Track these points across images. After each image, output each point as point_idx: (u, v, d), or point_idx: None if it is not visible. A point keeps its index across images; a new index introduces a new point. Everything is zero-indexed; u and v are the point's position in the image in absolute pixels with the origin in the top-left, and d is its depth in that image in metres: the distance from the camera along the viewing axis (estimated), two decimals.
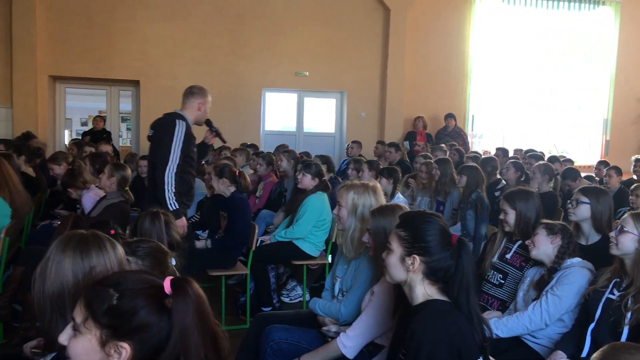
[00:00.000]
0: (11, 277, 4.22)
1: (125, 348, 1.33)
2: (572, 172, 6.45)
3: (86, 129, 10.30)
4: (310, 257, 4.92)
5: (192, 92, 4.13)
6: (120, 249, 1.79)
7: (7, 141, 7.40)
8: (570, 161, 8.32)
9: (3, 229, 4.06)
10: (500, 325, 2.96)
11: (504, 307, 3.26)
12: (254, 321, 3.07)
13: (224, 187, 4.77)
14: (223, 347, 1.47)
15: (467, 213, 5.25)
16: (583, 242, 3.43)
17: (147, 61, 10.04)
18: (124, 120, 10.94)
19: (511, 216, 3.36)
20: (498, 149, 8.91)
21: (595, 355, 1.57)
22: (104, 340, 1.35)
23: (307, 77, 10.76)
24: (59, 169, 5.53)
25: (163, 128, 3.92)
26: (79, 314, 1.37)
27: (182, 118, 3.99)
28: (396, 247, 2.03)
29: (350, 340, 2.54)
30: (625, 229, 2.69)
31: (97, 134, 9.50)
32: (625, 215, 2.79)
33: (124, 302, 1.35)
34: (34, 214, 5.46)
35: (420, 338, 1.85)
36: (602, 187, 4.03)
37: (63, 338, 1.40)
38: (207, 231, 5.22)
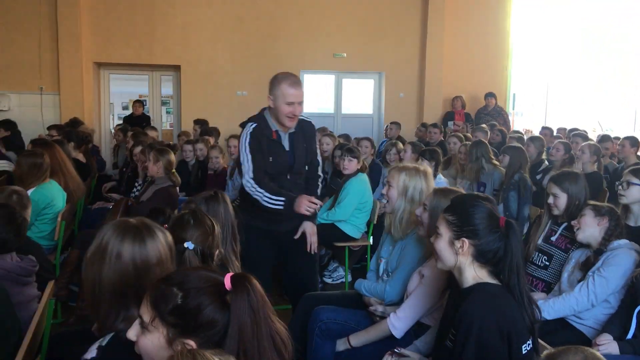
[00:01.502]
0: (67, 259, 4.41)
1: (192, 345, 1.38)
2: (632, 138, 6.29)
3: (127, 112, 10.53)
4: (352, 239, 4.98)
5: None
6: (169, 236, 1.87)
7: (59, 127, 7.68)
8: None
9: (59, 212, 4.26)
10: (547, 307, 2.97)
11: (548, 288, 3.27)
12: (302, 302, 3.14)
13: None
14: (284, 346, 1.47)
15: (509, 194, 5.20)
16: (632, 223, 3.39)
17: (188, 46, 10.19)
18: (163, 103, 11.16)
19: (562, 200, 3.34)
20: (544, 128, 8.72)
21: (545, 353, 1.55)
22: (170, 337, 1.40)
23: (344, 58, 10.73)
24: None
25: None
26: (146, 313, 1.43)
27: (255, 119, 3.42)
28: (444, 231, 2.07)
29: (400, 321, 2.60)
30: None
31: (137, 120, 9.69)
32: None
33: (189, 301, 1.40)
34: (85, 198, 5.67)
35: (470, 320, 1.89)
36: None
37: (132, 334, 1.46)
38: None
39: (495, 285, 2.01)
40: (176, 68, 10.40)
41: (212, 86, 10.29)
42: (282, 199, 3.22)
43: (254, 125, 3.30)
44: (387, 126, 9.61)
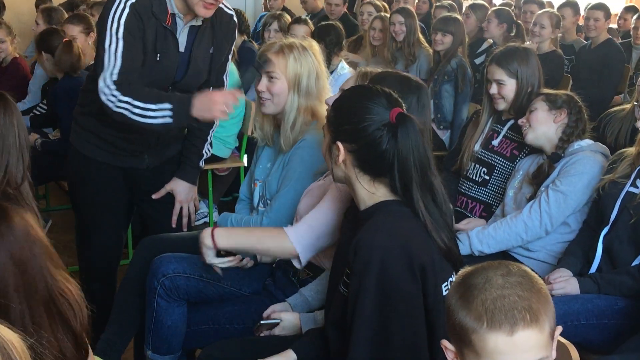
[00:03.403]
0: None
1: None
2: (603, 6, 6.56)
3: None
4: (217, 159, 4.93)
5: None
6: None
7: None
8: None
9: None
10: (485, 238, 3.10)
11: (488, 212, 3.42)
12: (137, 250, 3.11)
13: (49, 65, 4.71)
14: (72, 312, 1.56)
15: (442, 88, 5.32)
16: None
17: None
18: None
19: (509, 87, 3.42)
20: None
21: (462, 304, 1.47)
22: None
23: None
24: None
25: None
26: None
27: None
28: (326, 132, 2.13)
29: (299, 232, 2.56)
30: None
31: None
32: None
33: None
34: None
35: (368, 251, 1.92)
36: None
37: None
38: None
39: (395, 203, 2.04)
40: None
41: None
42: (168, 105, 2.82)
43: None
44: None
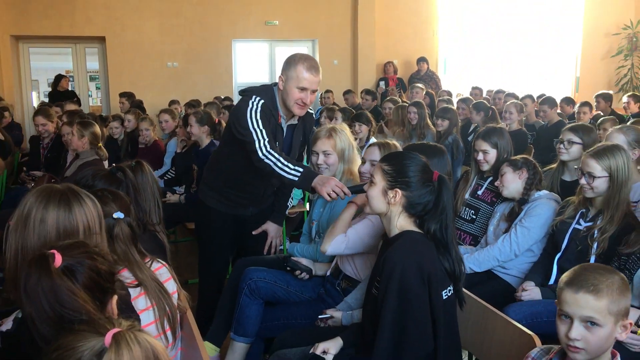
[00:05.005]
0: None
1: None
2: (549, 100, 6.54)
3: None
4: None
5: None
6: (98, 204, 1.79)
7: None
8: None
9: None
10: (472, 259, 3.06)
11: (475, 242, 3.36)
12: (236, 266, 3.12)
13: (204, 136, 4.76)
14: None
15: None
16: (567, 178, 3.50)
17: (112, 15, 9.75)
18: (92, 79, 10.70)
19: (491, 155, 3.40)
20: (474, 88, 8.94)
21: (565, 274, 1.65)
22: None
23: (277, 25, 10.57)
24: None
25: None
26: None
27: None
28: (379, 180, 2.10)
29: (338, 240, 2.61)
30: (594, 174, 2.73)
31: (61, 96, 9.24)
32: (587, 159, 2.79)
33: None
34: (6, 177, 5.40)
35: (392, 264, 1.94)
36: (589, 124, 4.07)
37: None
38: (183, 186, 5.23)
39: (418, 233, 2.06)
40: (101, 40, 9.95)
41: (141, 58, 9.93)
42: (300, 169, 2.73)
43: (262, 101, 2.86)
44: (322, 94, 9.59)
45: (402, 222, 2.07)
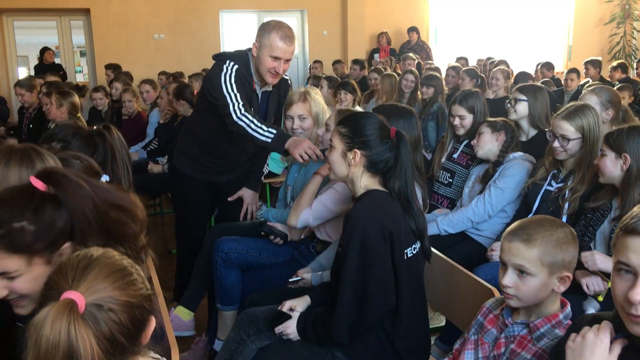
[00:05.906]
0: None
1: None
2: (523, 76, 6.50)
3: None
4: (272, 175, 4.97)
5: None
6: (58, 162, 1.78)
7: None
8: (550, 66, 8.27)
9: None
10: (446, 221, 3.08)
11: (453, 205, 3.38)
12: (210, 232, 3.14)
13: (184, 109, 4.74)
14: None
15: (428, 124, 5.31)
16: (523, 138, 3.51)
17: None
18: (83, 54, 10.60)
19: (468, 119, 3.39)
20: (459, 58, 8.90)
21: (515, 224, 1.67)
22: None
23: None
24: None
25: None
26: None
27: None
28: (337, 144, 2.09)
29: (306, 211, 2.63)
30: (567, 137, 2.73)
31: (49, 68, 9.16)
32: (559, 121, 2.79)
33: None
34: None
35: (355, 222, 1.94)
36: (539, 84, 4.10)
37: None
38: (166, 157, 5.21)
39: (383, 192, 2.05)
40: (86, 12, 9.82)
41: (127, 30, 9.82)
42: (274, 130, 2.73)
43: (237, 66, 2.83)
44: (311, 65, 9.53)
45: (365, 182, 2.07)
